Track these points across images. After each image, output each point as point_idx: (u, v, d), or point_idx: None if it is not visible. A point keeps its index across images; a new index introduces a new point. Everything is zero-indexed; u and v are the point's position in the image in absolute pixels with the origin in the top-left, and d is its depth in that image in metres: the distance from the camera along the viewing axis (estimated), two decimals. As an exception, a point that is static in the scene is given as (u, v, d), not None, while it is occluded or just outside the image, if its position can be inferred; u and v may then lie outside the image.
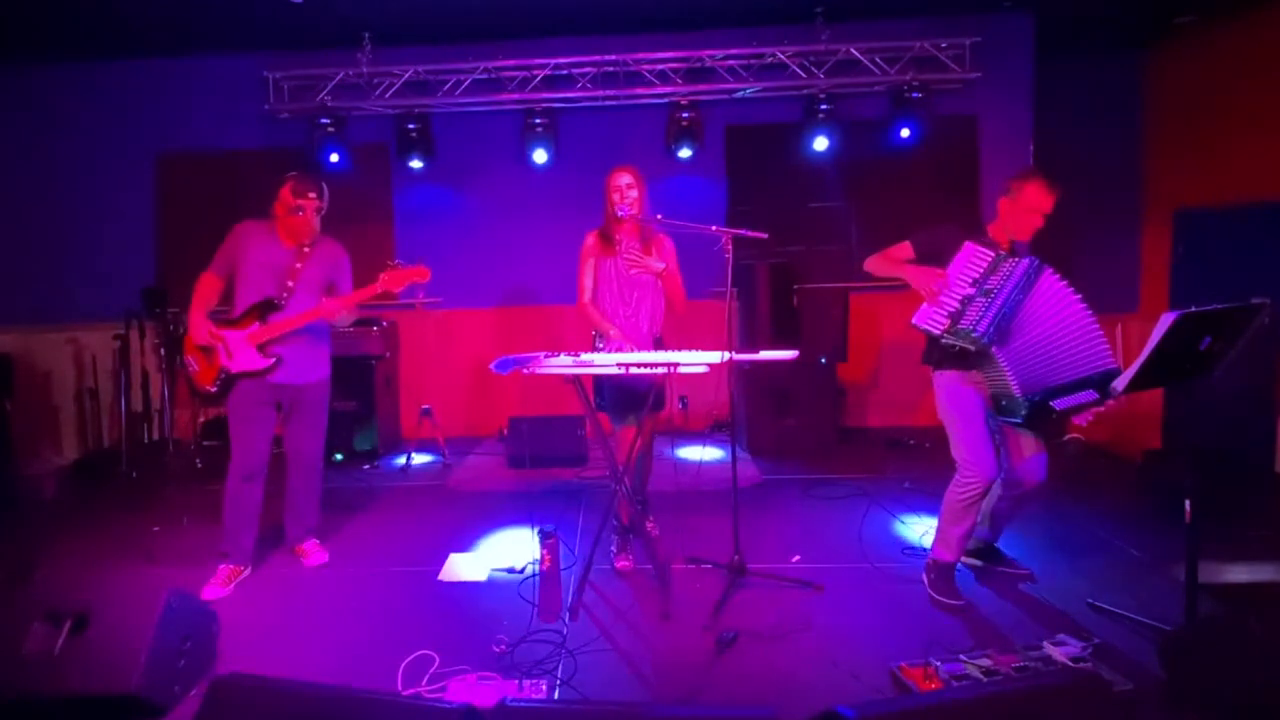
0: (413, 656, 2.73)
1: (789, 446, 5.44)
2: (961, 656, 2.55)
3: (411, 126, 5.81)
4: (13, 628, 2.34)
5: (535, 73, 5.82)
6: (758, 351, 3.16)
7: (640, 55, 5.77)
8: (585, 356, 3.07)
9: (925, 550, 3.37)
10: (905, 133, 5.68)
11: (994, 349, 2.86)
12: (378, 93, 5.86)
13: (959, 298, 2.91)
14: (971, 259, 2.93)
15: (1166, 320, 2.39)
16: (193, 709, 1.79)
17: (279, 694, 1.83)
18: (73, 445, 5.98)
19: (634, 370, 3.03)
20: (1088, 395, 2.84)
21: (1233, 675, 2.25)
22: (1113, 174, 6.25)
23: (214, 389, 3.38)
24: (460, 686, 2.56)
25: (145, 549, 3.84)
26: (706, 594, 3.18)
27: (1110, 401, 2.81)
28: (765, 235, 3.17)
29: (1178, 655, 2.42)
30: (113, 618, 2.37)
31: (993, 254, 2.92)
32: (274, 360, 3.35)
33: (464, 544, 3.90)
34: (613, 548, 3.62)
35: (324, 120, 5.72)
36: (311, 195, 3.35)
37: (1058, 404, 2.86)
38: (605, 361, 3.08)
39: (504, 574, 3.51)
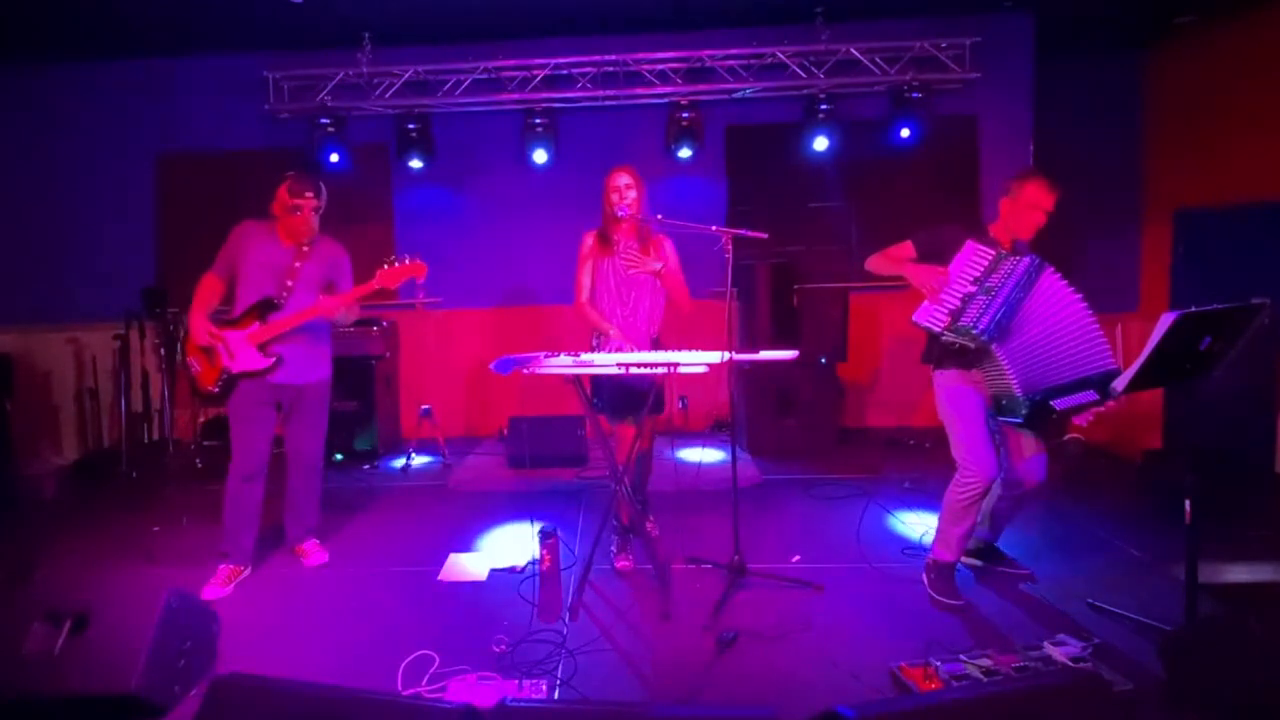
0: (413, 656, 2.73)
1: (789, 446, 5.44)
2: (961, 656, 2.55)
3: (411, 126, 5.81)
4: (13, 628, 2.34)
5: (535, 73, 5.81)
6: (758, 351, 3.16)
7: (640, 55, 5.77)
8: (585, 356, 3.07)
9: (925, 550, 3.37)
10: (905, 133, 5.68)
11: (994, 346, 2.86)
12: (378, 93, 5.86)
13: (960, 295, 2.92)
14: (973, 257, 2.94)
15: (1166, 320, 2.39)
16: (193, 709, 1.79)
17: (279, 694, 1.83)
18: (73, 445, 5.99)
19: (634, 370, 3.04)
20: (1088, 395, 2.84)
21: (1233, 675, 2.24)
22: (1113, 174, 6.24)
23: (216, 389, 3.39)
24: (460, 686, 2.56)
25: (145, 549, 3.84)
26: (706, 594, 3.18)
27: (1110, 402, 2.81)
28: (765, 235, 3.17)
29: (1178, 655, 2.42)
30: (113, 618, 2.37)
31: (994, 252, 2.93)
32: (275, 359, 3.36)
33: (464, 544, 3.90)
34: (613, 548, 3.62)
35: (324, 120, 5.72)
36: (308, 195, 3.35)
37: (1058, 404, 2.86)
38: (605, 361, 3.08)
39: (504, 574, 3.51)
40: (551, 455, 5.14)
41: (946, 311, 2.93)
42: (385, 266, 3.33)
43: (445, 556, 3.71)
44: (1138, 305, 6.24)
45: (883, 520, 4.09)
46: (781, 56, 5.72)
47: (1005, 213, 3.08)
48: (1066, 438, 5.28)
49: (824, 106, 5.68)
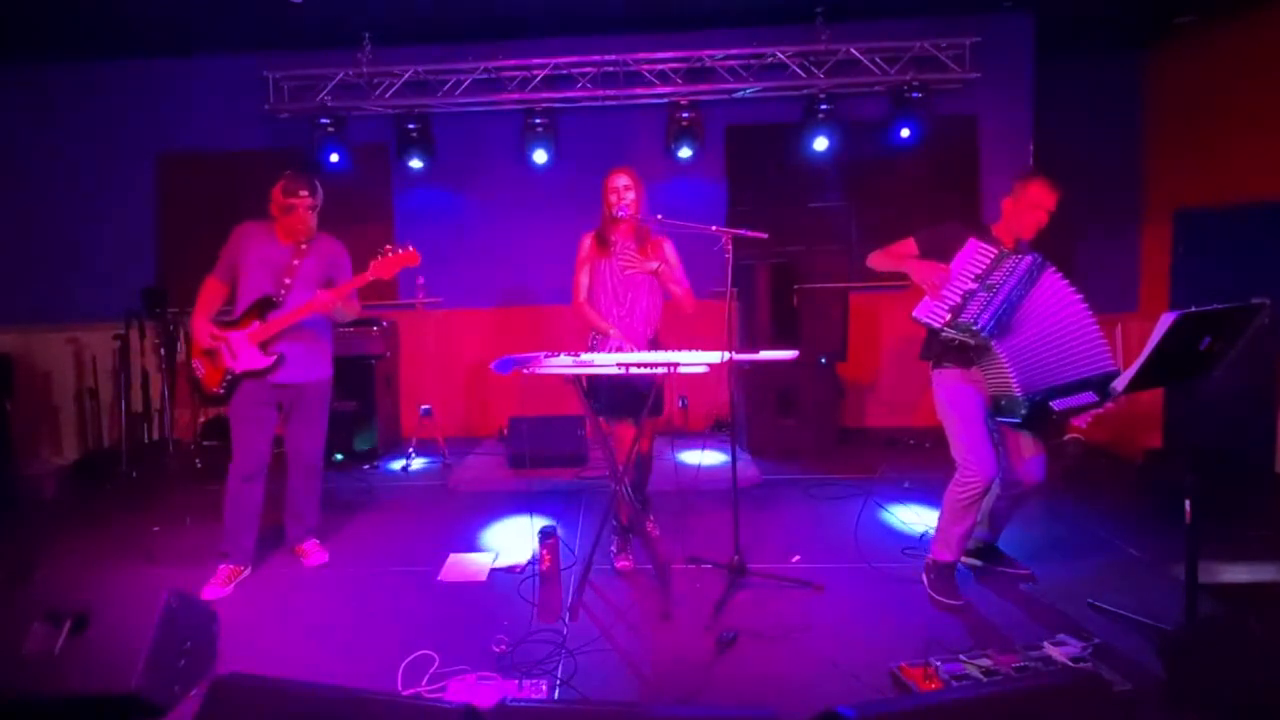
0: (413, 656, 2.73)
1: (789, 446, 5.44)
2: (961, 656, 2.55)
3: (411, 126, 5.81)
4: (13, 628, 2.34)
5: (535, 73, 5.81)
6: (758, 351, 3.16)
7: (640, 55, 5.77)
8: (585, 356, 3.07)
9: (925, 550, 3.37)
10: (905, 133, 5.68)
11: (994, 343, 2.86)
12: (378, 93, 5.86)
13: (961, 292, 2.92)
14: (975, 254, 2.94)
15: (1166, 320, 2.39)
16: (193, 709, 1.79)
17: (279, 694, 1.83)
18: (73, 445, 5.99)
19: (634, 370, 3.04)
20: (1087, 397, 2.84)
21: (1233, 675, 2.24)
22: (1113, 174, 6.25)
23: (221, 390, 3.40)
24: (460, 686, 2.56)
25: (145, 549, 3.84)
26: (706, 594, 3.18)
27: (1109, 404, 2.81)
28: (765, 235, 3.17)
29: (1178, 655, 2.42)
30: (113, 618, 2.36)
31: (997, 250, 2.93)
32: (276, 358, 3.36)
33: (464, 544, 3.90)
34: (613, 548, 3.62)
35: (324, 120, 5.72)
36: (303, 193, 3.36)
37: (1057, 404, 2.86)
38: (605, 361, 3.08)
39: (504, 574, 3.51)
40: (551, 455, 5.14)
41: (947, 308, 2.93)
42: (378, 257, 3.34)
43: (445, 556, 3.71)
44: (1138, 305, 6.25)
45: (883, 520, 4.09)
46: (781, 56, 5.72)
47: (1008, 212, 3.09)
48: (1066, 438, 5.29)
49: (824, 106, 5.68)
